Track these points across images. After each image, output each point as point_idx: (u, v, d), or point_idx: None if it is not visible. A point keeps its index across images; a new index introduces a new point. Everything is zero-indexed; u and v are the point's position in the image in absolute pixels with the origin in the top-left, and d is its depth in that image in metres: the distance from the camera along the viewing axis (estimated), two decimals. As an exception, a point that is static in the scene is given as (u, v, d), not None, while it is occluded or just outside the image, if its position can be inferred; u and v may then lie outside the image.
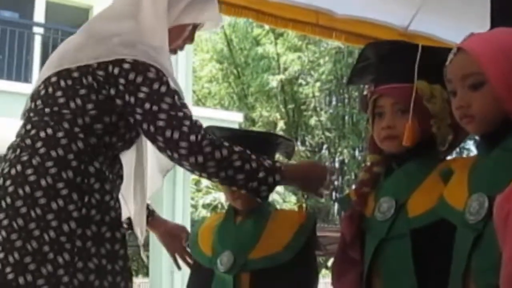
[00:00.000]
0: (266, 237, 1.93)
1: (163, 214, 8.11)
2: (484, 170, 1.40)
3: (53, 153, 1.56)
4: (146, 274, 11.74)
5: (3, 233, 1.52)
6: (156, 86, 1.60)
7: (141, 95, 1.59)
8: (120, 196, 1.72)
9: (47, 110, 1.61)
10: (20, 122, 1.69)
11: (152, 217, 2.10)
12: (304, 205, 2.05)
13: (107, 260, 1.56)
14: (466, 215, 1.36)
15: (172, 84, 1.64)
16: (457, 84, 1.43)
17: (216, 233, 2.01)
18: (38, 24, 9.79)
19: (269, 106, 18.20)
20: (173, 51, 1.81)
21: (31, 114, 1.64)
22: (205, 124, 1.72)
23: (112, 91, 1.61)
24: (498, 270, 1.15)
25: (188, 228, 2.17)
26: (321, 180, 1.76)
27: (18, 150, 1.59)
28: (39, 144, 1.57)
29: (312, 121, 17.72)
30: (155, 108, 1.59)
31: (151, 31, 1.68)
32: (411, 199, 1.58)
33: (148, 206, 2.02)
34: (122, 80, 1.60)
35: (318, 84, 17.64)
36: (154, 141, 1.61)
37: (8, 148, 1.63)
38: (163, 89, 1.61)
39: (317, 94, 17.72)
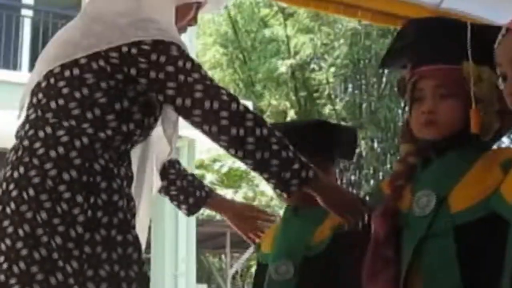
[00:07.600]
0: None
1: (166, 212, 8.18)
2: None
3: (52, 153, 1.55)
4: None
5: (8, 241, 1.51)
6: (180, 63, 1.61)
7: (170, 68, 1.60)
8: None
9: (52, 104, 1.61)
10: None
11: (210, 198, 2.11)
12: None
13: (120, 266, 1.55)
14: None
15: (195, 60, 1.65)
16: (507, 68, 1.42)
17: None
18: (27, 6, 9.76)
19: (278, 94, 18.17)
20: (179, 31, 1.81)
21: (30, 111, 1.65)
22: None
23: (133, 71, 1.61)
24: None
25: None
26: (355, 209, 1.77)
27: (20, 152, 1.59)
28: (37, 144, 1.57)
29: (326, 110, 17.67)
30: (190, 79, 1.59)
31: (158, 9, 1.68)
32: (454, 192, 1.57)
33: (204, 187, 2.08)
34: (143, 59, 1.61)
35: (332, 69, 17.58)
36: (189, 116, 1.61)
37: (10, 150, 1.63)
38: (188, 65, 1.62)
39: (331, 80, 17.68)
